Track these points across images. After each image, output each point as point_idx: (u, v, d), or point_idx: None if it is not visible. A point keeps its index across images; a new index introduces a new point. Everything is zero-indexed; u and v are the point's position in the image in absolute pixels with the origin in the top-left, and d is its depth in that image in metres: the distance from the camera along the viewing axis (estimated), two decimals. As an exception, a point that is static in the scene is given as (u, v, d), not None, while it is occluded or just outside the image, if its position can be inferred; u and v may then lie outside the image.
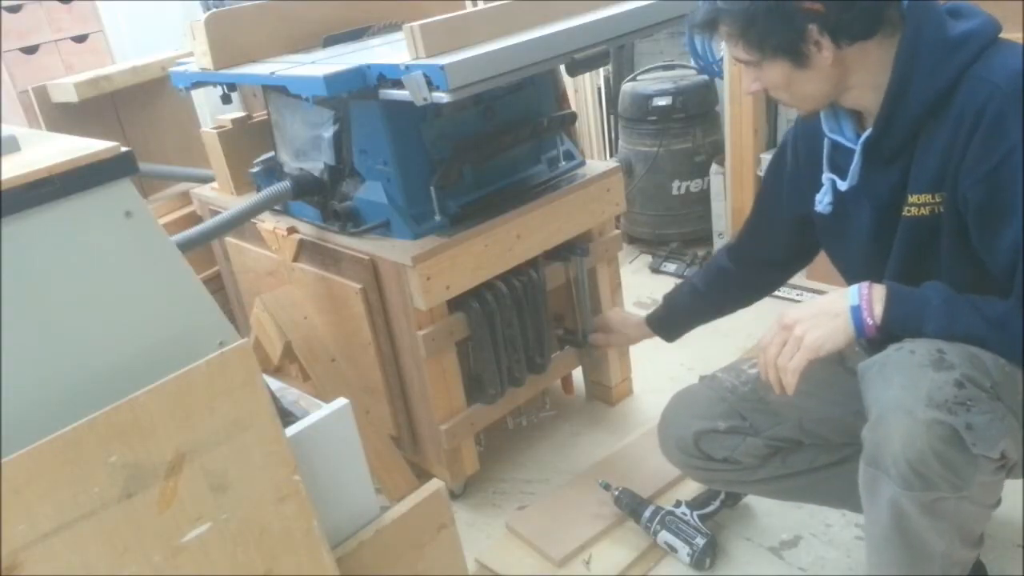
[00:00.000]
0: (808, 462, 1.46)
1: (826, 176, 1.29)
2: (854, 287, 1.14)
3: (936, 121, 1.12)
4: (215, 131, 2.10)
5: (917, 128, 1.14)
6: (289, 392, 1.23)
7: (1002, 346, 1.08)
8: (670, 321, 1.77)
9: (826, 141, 1.28)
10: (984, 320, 1.09)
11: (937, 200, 1.15)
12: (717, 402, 1.46)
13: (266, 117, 2.02)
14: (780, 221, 1.48)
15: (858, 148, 1.20)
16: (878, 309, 1.12)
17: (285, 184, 1.81)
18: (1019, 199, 1.05)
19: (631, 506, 1.72)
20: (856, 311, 1.12)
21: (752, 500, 1.75)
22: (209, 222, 1.80)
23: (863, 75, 1.16)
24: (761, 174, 2.80)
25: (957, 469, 1.03)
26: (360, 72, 1.54)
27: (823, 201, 1.29)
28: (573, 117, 1.97)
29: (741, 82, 1.25)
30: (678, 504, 1.70)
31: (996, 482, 1.11)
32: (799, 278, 2.33)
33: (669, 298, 1.76)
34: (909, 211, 1.18)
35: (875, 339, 1.15)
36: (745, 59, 1.19)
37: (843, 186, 1.25)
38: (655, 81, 3.01)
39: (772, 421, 1.42)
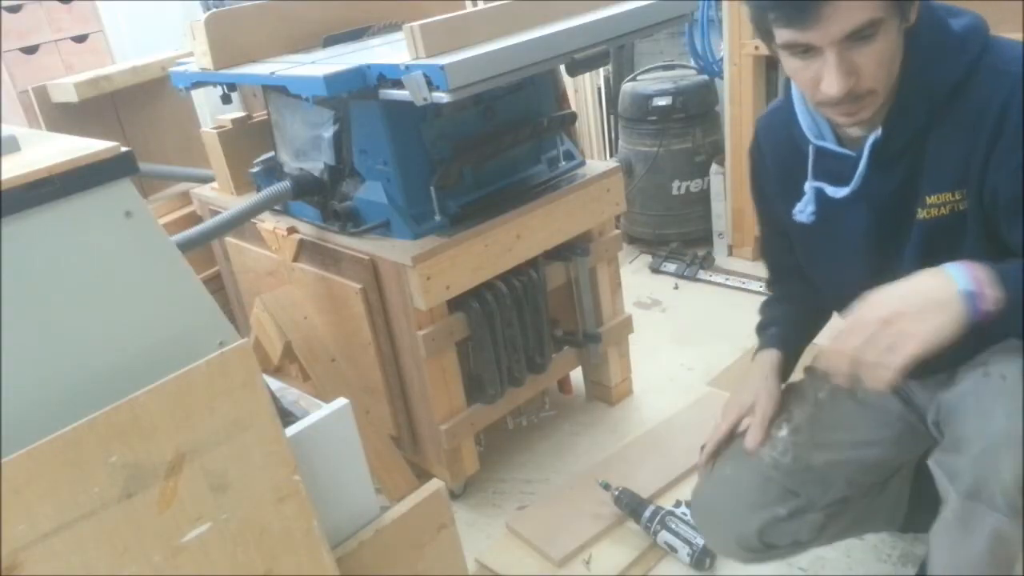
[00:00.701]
0: (856, 512, 1.38)
1: (810, 185, 1.21)
2: (954, 267, 0.97)
3: (950, 117, 1.07)
4: (215, 131, 2.10)
5: (929, 126, 1.09)
6: (289, 392, 1.23)
7: None
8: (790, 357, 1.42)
9: (811, 148, 1.20)
10: None
11: (958, 198, 1.09)
12: (766, 484, 1.30)
13: (266, 117, 2.03)
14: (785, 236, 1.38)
15: (866, 151, 1.12)
16: (993, 293, 0.95)
17: (285, 184, 1.81)
18: None
19: (631, 506, 1.72)
20: (970, 297, 0.95)
21: (752, 500, 1.75)
22: (209, 222, 1.80)
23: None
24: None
25: None
26: (360, 72, 1.54)
27: (804, 211, 1.23)
28: (573, 117, 1.97)
29: (833, 85, 1.04)
30: (678, 504, 1.70)
31: None
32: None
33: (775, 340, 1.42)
34: (928, 212, 1.11)
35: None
36: (867, 20, 0.99)
37: (838, 193, 1.18)
38: (655, 81, 3.02)
39: (823, 488, 1.31)
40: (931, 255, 1.11)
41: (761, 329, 1.46)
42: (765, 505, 1.30)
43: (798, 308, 1.44)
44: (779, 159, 1.28)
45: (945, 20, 1.10)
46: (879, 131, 1.11)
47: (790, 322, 1.43)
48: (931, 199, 1.10)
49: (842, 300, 1.19)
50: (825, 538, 1.38)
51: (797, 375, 1.43)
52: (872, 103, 1.07)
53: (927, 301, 0.97)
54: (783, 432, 1.33)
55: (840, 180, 1.18)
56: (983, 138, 1.04)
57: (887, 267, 1.17)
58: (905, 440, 1.33)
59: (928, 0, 1.10)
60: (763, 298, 1.52)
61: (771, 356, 1.38)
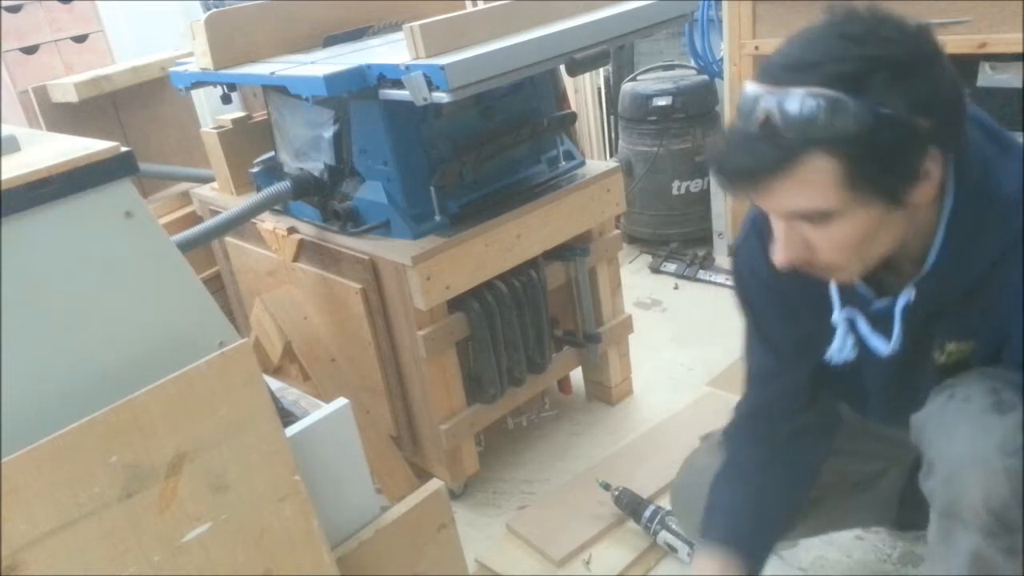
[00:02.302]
0: (833, 506, 1.37)
1: (841, 315, 1.08)
2: None
3: (985, 282, 0.99)
4: (215, 131, 2.10)
5: (979, 287, 0.99)
6: (289, 392, 1.23)
7: None
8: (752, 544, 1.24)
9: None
10: None
11: (971, 347, 1.07)
12: None
13: (266, 117, 2.02)
14: (789, 351, 1.23)
15: (898, 315, 1.02)
16: None
17: (285, 184, 1.81)
18: None
19: (631, 506, 1.72)
20: None
21: (752, 500, 1.76)
22: (209, 222, 1.80)
23: (920, 221, 0.97)
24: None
25: None
26: (360, 72, 1.54)
27: (845, 348, 1.09)
28: (573, 117, 1.97)
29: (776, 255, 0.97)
30: (678, 504, 1.70)
31: None
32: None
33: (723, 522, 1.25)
34: (947, 357, 1.08)
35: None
36: (812, 210, 0.89)
37: (884, 348, 1.06)
38: (655, 81, 3.02)
39: None
40: (935, 386, 1.10)
41: (708, 512, 1.24)
42: None
43: (768, 457, 1.23)
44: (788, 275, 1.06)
45: (993, 178, 0.96)
46: (912, 292, 1.01)
47: (749, 498, 1.21)
48: (950, 347, 1.07)
49: (862, 411, 1.21)
50: (800, 532, 1.38)
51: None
52: (844, 274, 0.99)
53: None
54: None
55: (871, 322, 1.08)
56: (1020, 315, 0.98)
57: (902, 400, 1.15)
58: (889, 452, 1.34)
59: (980, 127, 0.97)
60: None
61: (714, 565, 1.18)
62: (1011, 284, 0.96)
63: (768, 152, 0.86)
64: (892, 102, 0.83)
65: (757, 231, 1.14)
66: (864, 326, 1.07)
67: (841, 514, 1.42)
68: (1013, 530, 1.02)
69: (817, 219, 0.90)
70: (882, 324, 1.06)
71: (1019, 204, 0.93)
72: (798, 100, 0.83)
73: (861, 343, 1.10)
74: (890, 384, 1.16)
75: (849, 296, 1.08)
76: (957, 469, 1.03)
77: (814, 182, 0.86)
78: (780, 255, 0.95)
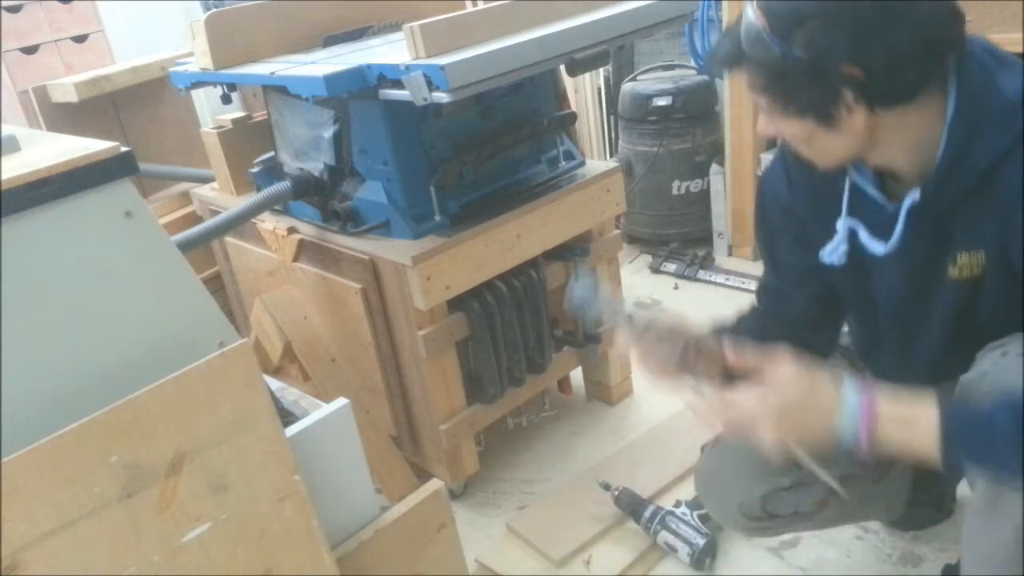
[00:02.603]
0: (858, 492, 1.35)
1: (843, 222, 1.15)
2: (851, 414, 0.96)
3: (991, 184, 1.01)
4: (215, 131, 2.10)
5: (977, 191, 1.03)
6: (289, 392, 1.23)
7: None
8: None
9: (847, 183, 1.14)
10: None
11: (981, 259, 1.06)
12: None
13: (266, 117, 2.02)
14: (791, 278, 1.32)
15: (903, 213, 1.08)
16: (872, 449, 0.96)
17: (285, 184, 1.81)
18: None
19: (631, 506, 1.72)
20: (844, 440, 0.97)
21: (752, 500, 1.76)
22: (209, 222, 1.80)
23: (897, 135, 1.04)
24: (761, 174, 2.81)
25: None
26: (360, 72, 1.54)
27: (837, 251, 1.16)
28: (573, 117, 1.97)
29: (756, 124, 1.15)
30: (678, 504, 1.70)
31: None
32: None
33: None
34: (959, 272, 1.08)
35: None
36: (765, 108, 1.07)
37: (878, 249, 1.12)
38: (655, 81, 3.01)
39: (827, 463, 1.26)
40: (957, 313, 1.10)
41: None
42: (769, 475, 1.30)
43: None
44: (811, 185, 1.20)
45: (995, 83, 1.00)
46: (917, 194, 1.06)
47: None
48: (962, 258, 1.07)
49: (865, 348, 1.22)
50: (826, 516, 1.37)
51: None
52: (816, 163, 1.10)
53: (809, 419, 1.00)
54: None
55: (875, 228, 1.13)
56: (1019, 216, 0.99)
57: (915, 324, 1.16)
58: None
59: (980, 51, 1.02)
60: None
61: None
62: (1011, 186, 0.98)
63: (728, 48, 1.06)
64: (812, 49, 0.96)
65: (782, 159, 1.24)
66: (864, 233, 1.13)
67: (864, 499, 1.41)
68: None
69: (766, 110, 1.07)
70: (889, 229, 1.10)
71: (1018, 107, 0.97)
72: (749, 18, 1.00)
73: (870, 265, 1.15)
74: (902, 307, 1.15)
75: (860, 205, 1.13)
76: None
77: (751, 83, 1.05)
78: (759, 125, 1.12)
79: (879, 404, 0.96)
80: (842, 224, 1.15)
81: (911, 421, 0.94)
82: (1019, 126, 0.98)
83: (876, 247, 1.12)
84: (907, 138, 1.04)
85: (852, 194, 1.15)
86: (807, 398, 1.00)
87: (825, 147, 1.07)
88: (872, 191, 1.13)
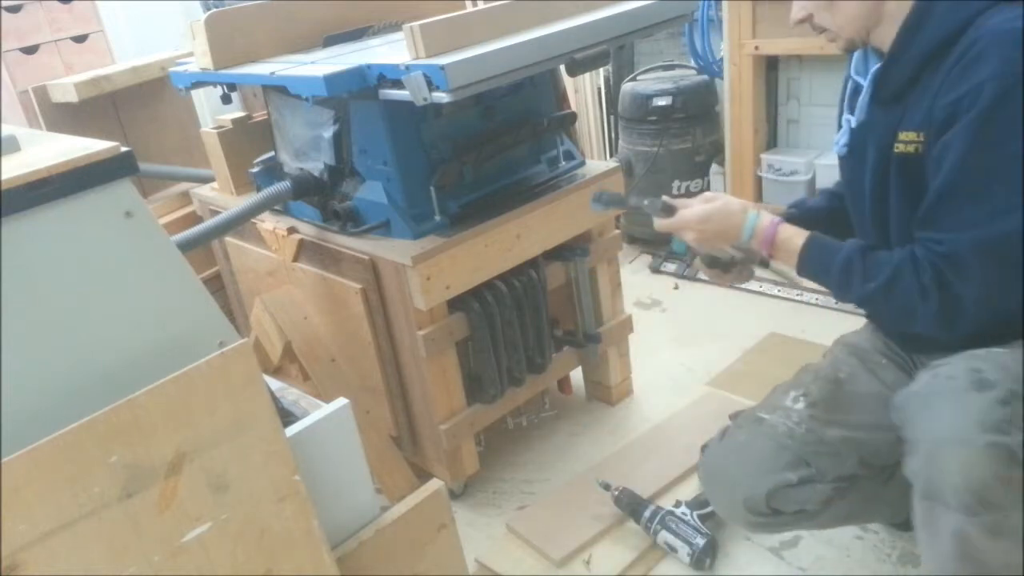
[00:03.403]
0: (864, 494, 1.39)
1: (845, 117, 1.31)
2: (750, 225, 1.29)
3: (937, 63, 1.12)
4: (215, 131, 2.10)
5: (921, 68, 1.14)
6: (289, 392, 1.23)
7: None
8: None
9: (849, 83, 1.30)
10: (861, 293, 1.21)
11: (920, 139, 1.15)
12: (780, 452, 1.34)
13: (266, 117, 2.03)
14: None
15: (867, 80, 1.23)
16: (764, 255, 1.31)
17: (285, 184, 1.81)
18: (962, 141, 1.06)
19: (631, 506, 1.72)
20: (747, 240, 1.30)
21: (752, 500, 1.76)
22: (209, 222, 1.80)
23: (893, 11, 1.17)
24: (761, 174, 2.81)
25: (1018, 484, 1.02)
26: (360, 72, 1.54)
27: (840, 142, 1.32)
28: (573, 117, 1.97)
29: (791, 11, 1.28)
30: (678, 504, 1.70)
31: None
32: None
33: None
34: (900, 148, 1.18)
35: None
36: None
37: (854, 122, 1.27)
38: (655, 81, 3.02)
39: (835, 462, 1.33)
40: (907, 190, 1.20)
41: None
42: (776, 470, 1.33)
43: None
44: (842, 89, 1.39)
45: None
46: (878, 69, 1.21)
47: (818, 216, 1.46)
48: (902, 135, 1.17)
49: (859, 225, 1.34)
50: (830, 515, 1.38)
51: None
52: (835, 40, 1.25)
53: (720, 229, 1.32)
54: (800, 405, 1.36)
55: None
56: (945, 81, 1.10)
57: (885, 200, 1.26)
58: None
59: None
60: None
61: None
62: (944, 72, 1.10)
63: None
64: None
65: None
66: (850, 119, 1.30)
67: (868, 499, 1.42)
68: (995, 508, 1.04)
69: None
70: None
71: (955, 8, 1.10)
72: None
73: (858, 151, 1.29)
74: (874, 187, 1.27)
75: (854, 105, 1.29)
76: (937, 449, 1.06)
77: None
78: (793, 13, 1.27)
79: (780, 226, 1.28)
80: (844, 118, 1.31)
81: (790, 238, 1.27)
82: (972, 9, 1.09)
83: (853, 121, 1.28)
84: (901, 11, 1.16)
85: (852, 92, 1.30)
86: (720, 212, 1.32)
87: (843, 11, 1.20)
88: (860, 80, 1.27)
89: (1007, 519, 1.05)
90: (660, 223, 1.38)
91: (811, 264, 1.26)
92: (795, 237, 1.27)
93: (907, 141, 1.17)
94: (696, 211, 1.33)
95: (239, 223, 1.83)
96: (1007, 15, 1.06)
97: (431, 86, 1.42)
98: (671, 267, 2.97)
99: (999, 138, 1.04)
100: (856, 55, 1.29)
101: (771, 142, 2.86)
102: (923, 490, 1.10)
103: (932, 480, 1.07)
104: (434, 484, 1.19)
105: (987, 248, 1.07)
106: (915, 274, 1.12)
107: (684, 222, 1.34)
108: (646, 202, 1.39)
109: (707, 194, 1.38)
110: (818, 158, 2.71)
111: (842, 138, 1.32)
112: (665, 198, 1.39)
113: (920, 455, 1.09)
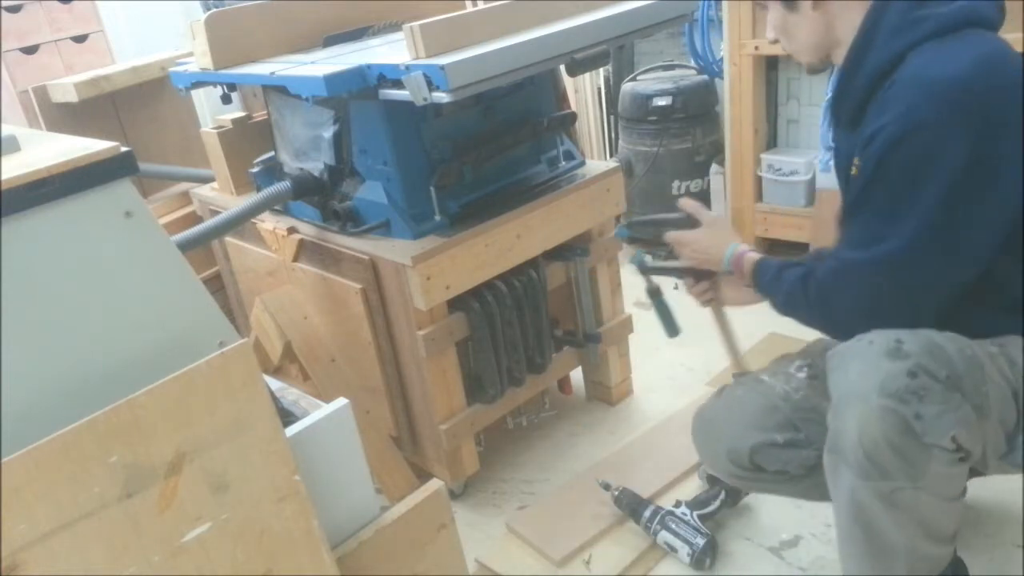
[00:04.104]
0: None
1: (821, 132, 1.43)
2: (730, 251, 1.42)
3: (880, 93, 1.16)
4: (215, 131, 2.10)
5: (867, 97, 1.18)
6: (289, 392, 1.23)
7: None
8: None
9: (825, 100, 1.40)
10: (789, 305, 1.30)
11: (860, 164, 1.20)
12: (771, 411, 1.37)
13: (266, 117, 2.02)
14: None
15: (822, 109, 1.34)
16: (739, 277, 1.41)
17: (285, 184, 1.81)
18: (862, 173, 1.15)
19: (631, 506, 1.72)
20: (728, 269, 1.43)
21: (752, 500, 1.75)
22: (209, 222, 1.80)
23: (847, 31, 1.20)
24: (761, 174, 2.81)
25: (910, 458, 1.06)
26: (360, 72, 1.54)
27: (823, 159, 1.43)
28: (573, 117, 1.97)
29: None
30: (678, 504, 1.70)
31: (956, 474, 1.12)
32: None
33: None
34: (852, 171, 1.22)
35: None
36: (762, 1, 1.30)
37: (831, 141, 1.35)
38: (655, 81, 3.02)
39: (825, 432, 1.32)
40: None
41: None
42: (765, 429, 1.37)
43: None
44: None
45: (898, 4, 1.15)
46: (831, 92, 1.28)
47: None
48: (855, 160, 1.21)
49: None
50: (811, 483, 1.38)
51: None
52: (800, 59, 1.31)
53: (709, 255, 1.47)
54: (802, 374, 1.39)
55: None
56: (870, 121, 1.15)
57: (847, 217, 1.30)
58: None
59: None
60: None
61: None
62: (881, 102, 1.15)
63: None
64: None
65: None
66: (826, 138, 1.40)
67: None
68: (886, 476, 1.08)
69: (765, 9, 1.30)
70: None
71: (918, 24, 1.13)
72: None
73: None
74: (844, 198, 1.31)
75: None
76: (841, 402, 1.12)
77: None
78: (767, 33, 1.34)
79: (747, 255, 1.39)
80: (821, 133, 1.44)
81: (751, 259, 1.38)
82: (909, 39, 1.13)
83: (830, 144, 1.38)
84: (853, 35, 1.20)
85: (828, 108, 1.40)
86: (711, 241, 1.47)
87: (796, 35, 1.27)
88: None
89: (901, 493, 1.09)
90: (669, 234, 1.53)
91: (758, 279, 1.37)
92: (754, 257, 1.39)
93: (856, 166, 1.21)
94: (694, 235, 1.49)
95: (239, 223, 1.83)
96: (931, 56, 1.11)
97: (431, 86, 1.42)
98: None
99: (889, 177, 1.12)
100: (832, 75, 1.33)
101: (771, 142, 2.86)
102: (830, 443, 1.15)
103: (836, 432, 1.12)
104: (434, 484, 1.19)
105: (858, 267, 1.17)
106: (804, 289, 1.25)
107: (685, 242, 1.50)
108: (673, 216, 1.55)
109: (711, 218, 1.51)
110: (818, 158, 2.71)
111: (826, 155, 1.40)
112: (686, 209, 1.53)
113: (831, 409, 1.14)
